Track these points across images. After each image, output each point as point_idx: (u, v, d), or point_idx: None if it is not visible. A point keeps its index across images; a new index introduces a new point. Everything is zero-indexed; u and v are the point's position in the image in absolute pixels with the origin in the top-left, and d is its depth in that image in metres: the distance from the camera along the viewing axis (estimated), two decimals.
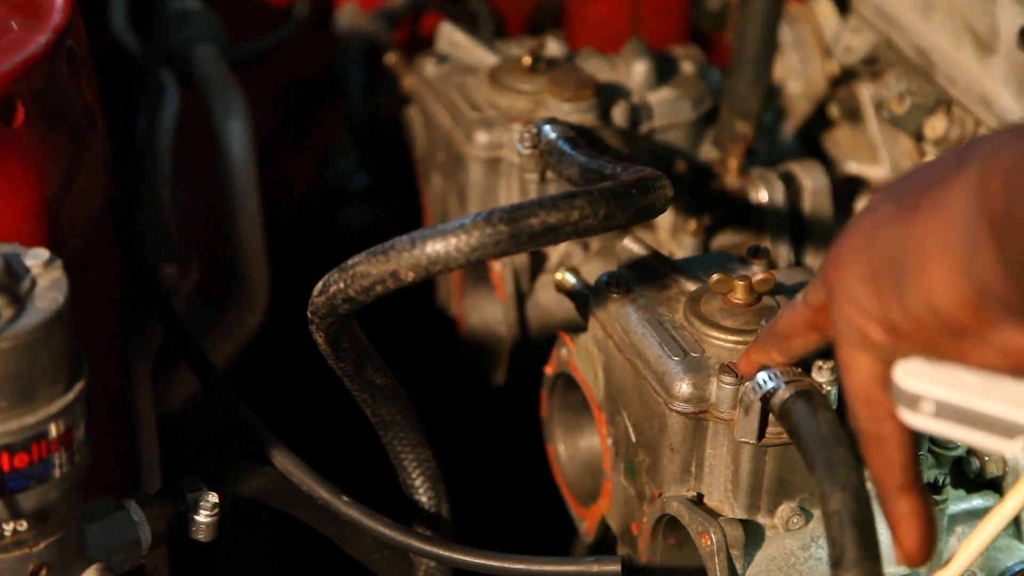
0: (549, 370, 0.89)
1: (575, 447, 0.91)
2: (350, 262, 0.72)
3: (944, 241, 0.56)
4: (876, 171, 1.06)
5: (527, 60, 1.01)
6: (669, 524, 0.79)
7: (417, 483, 0.84)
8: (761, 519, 0.76)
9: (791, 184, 1.02)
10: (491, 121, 1.00)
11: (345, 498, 0.79)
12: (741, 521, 0.75)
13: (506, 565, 0.76)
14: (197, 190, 1.14)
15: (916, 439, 0.64)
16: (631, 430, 0.80)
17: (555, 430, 0.91)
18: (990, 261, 0.54)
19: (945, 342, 0.58)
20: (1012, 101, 0.92)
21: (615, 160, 0.81)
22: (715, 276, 0.78)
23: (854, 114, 1.08)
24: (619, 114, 1.00)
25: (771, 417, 0.73)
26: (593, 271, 0.86)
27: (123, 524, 0.73)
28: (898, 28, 1.01)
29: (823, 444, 0.68)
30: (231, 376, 0.93)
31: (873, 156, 1.07)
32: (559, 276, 0.86)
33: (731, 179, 1.02)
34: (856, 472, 0.66)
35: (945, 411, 0.59)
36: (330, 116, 1.31)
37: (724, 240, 1.03)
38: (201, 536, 0.76)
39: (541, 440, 0.92)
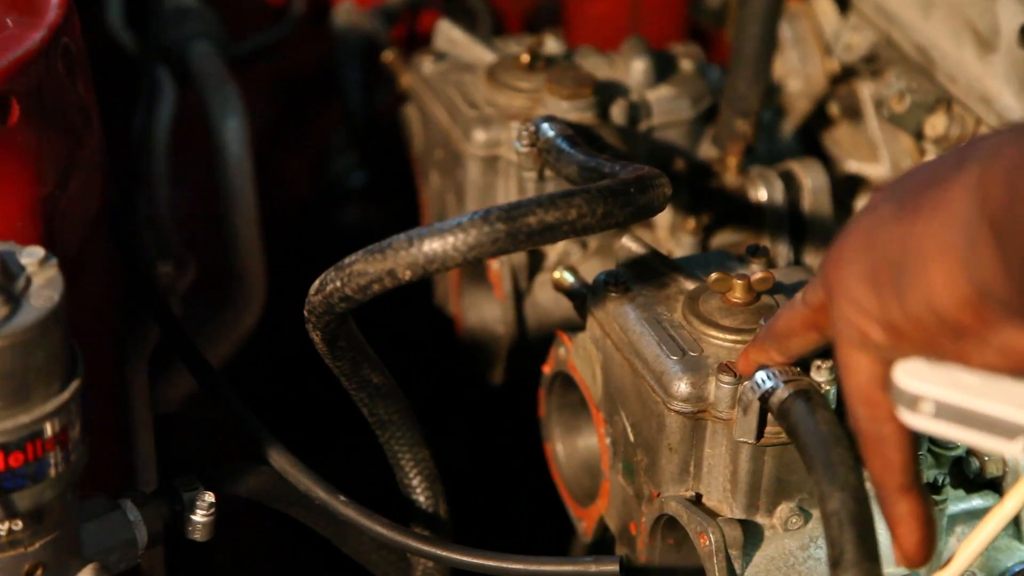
0: (547, 369, 0.89)
1: (573, 447, 0.91)
2: (347, 260, 0.72)
3: (944, 241, 0.56)
4: (876, 170, 1.06)
5: (525, 58, 1.01)
6: (668, 524, 0.79)
7: (415, 483, 0.83)
8: (760, 519, 0.76)
9: (791, 183, 1.02)
10: (489, 119, 0.99)
11: (342, 498, 0.78)
12: (740, 521, 0.75)
13: (504, 565, 0.76)
14: (194, 188, 1.14)
15: (916, 440, 0.64)
16: (629, 430, 0.80)
17: (553, 430, 0.91)
18: (990, 261, 0.54)
19: (945, 342, 0.58)
20: (1013, 99, 0.92)
21: (614, 158, 0.81)
22: (714, 275, 0.78)
23: (854, 112, 1.08)
24: (618, 112, 0.99)
25: (770, 417, 0.73)
26: (592, 270, 0.86)
27: (119, 524, 0.73)
28: (898, 26, 1.00)
29: (822, 444, 0.68)
30: (228, 375, 0.93)
31: (873, 154, 1.07)
32: (557, 275, 0.86)
33: (730, 177, 1.02)
34: (855, 472, 0.66)
35: (945, 412, 0.59)
36: (327, 114, 1.31)
37: (723, 239, 1.03)
38: (197, 536, 0.76)
39: (539, 440, 0.92)
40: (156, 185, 1.04)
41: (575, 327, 0.86)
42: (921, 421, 0.60)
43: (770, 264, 0.81)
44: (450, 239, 0.69)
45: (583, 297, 0.83)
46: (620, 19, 1.25)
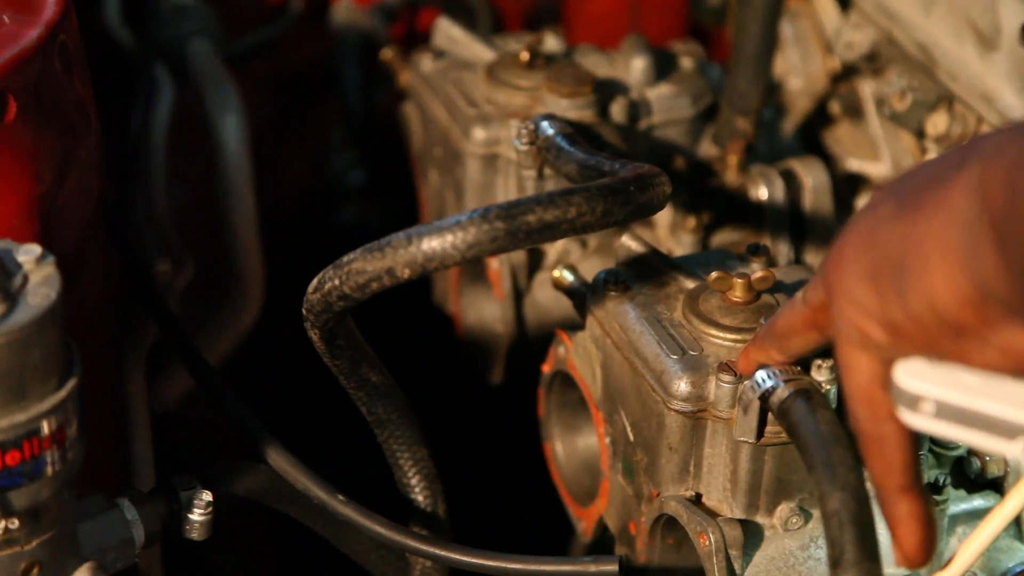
0: (546, 368, 0.89)
1: (573, 446, 0.90)
2: (345, 259, 0.71)
3: (945, 240, 0.56)
4: (877, 168, 1.06)
5: (525, 56, 1.00)
6: (667, 524, 0.79)
7: (413, 482, 0.83)
8: (760, 519, 0.76)
9: (791, 181, 1.01)
10: (488, 117, 0.99)
11: (340, 497, 0.78)
12: (740, 521, 0.75)
13: (503, 565, 0.76)
14: (191, 186, 1.14)
15: (916, 440, 0.63)
16: (629, 429, 0.80)
17: (552, 429, 0.91)
18: (991, 260, 0.54)
19: (946, 342, 0.58)
20: (1014, 98, 0.92)
21: (613, 157, 0.81)
22: (714, 274, 0.77)
23: (855, 111, 1.08)
24: (617, 110, 0.99)
25: (770, 416, 0.73)
26: (591, 269, 0.86)
27: (116, 523, 0.73)
28: (899, 24, 1.00)
29: (822, 443, 0.67)
30: (226, 374, 0.93)
31: (874, 153, 1.06)
32: (557, 274, 0.86)
33: (731, 176, 1.01)
34: (855, 472, 0.66)
35: (945, 411, 0.59)
36: (326, 112, 1.31)
37: (723, 238, 1.03)
38: (195, 535, 0.75)
39: (538, 439, 0.92)
40: (154, 183, 1.04)
41: (575, 326, 0.85)
42: (921, 421, 0.60)
43: (770, 263, 0.81)
44: (449, 237, 0.69)
45: (583, 296, 0.83)
46: (620, 17, 1.25)
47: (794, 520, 0.76)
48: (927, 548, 0.64)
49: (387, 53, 1.11)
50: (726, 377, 0.74)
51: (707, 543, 0.74)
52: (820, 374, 0.72)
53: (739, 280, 0.77)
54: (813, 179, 1.01)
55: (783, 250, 1.01)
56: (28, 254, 0.63)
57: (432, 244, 0.69)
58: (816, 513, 0.76)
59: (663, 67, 1.03)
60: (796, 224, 1.02)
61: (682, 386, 0.75)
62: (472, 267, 1.03)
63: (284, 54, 1.26)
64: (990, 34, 0.94)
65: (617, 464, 0.82)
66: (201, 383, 0.85)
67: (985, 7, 0.93)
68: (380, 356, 0.79)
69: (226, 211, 1.07)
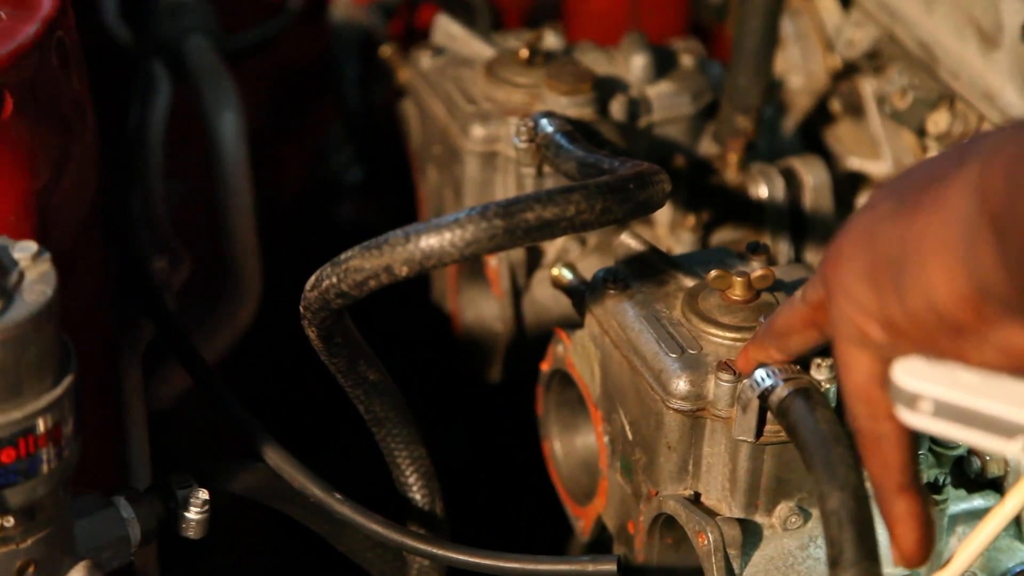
0: (545, 367, 0.89)
1: (571, 445, 0.90)
2: (343, 256, 0.71)
3: (944, 238, 0.56)
4: (878, 167, 1.06)
5: (524, 53, 1.00)
6: (666, 523, 0.79)
7: (411, 480, 0.83)
8: (759, 518, 0.76)
9: (791, 180, 1.01)
10: (487, 114, 0.99)
11: (337, 495, 0.78)
12: (739, 520, 0.75)
13: (501, 564, 0.76)
14: (189, 184, 1.13)
15: (915, 439, 0.63)
16: (628, 428, 0.80)
17: (551, 428, 0.90)
18: (990, 259, 0.54)
19: (944, 340, 0.57)
20: (1016, 96, 0.92)
21: (613, 154, 0.81)
22: (713, 272, 0.77)
23: (856, 109, 1.08)
24: (617, 108, 0.99)
25: (769, 415, 0.73)
26: (590, 267, 0.86)
27: (112, 521, 0.72)
28: (901, 22, 1.00)
29: (821, 443, 0.67)
30: (223, 372, 0.92)
31: (875, 152, 1.06)
32: (555, 272, 0.86)
33: (731, 174, 1.01)
34: (855, 471, 0.65)
35: (944, 410, 0.59)
36: (324, 109, 1.31)
37: (723, 236, 1.03)
38: (191, 533, 0.75)
39: (537, 438, 0.91)
40: (151, 180, 1.04)
41: (573, 324, 0.85)
42: (920, 420, 0.60)
43: (770, 261, 0.81)
44: (447, 235, 0.69)
45: (582, 294, 0.83)
46: (620, 14, 1.24)
47: (793, 519, 0.75)
48: (925, 547, 0.63)
49: (386, 50, 1.11)
50: (725, 376, 0.73)
51: (706, 542, 0.73)
52: (819, 373, 0.72)
53: (739, 278, 0.77)
54: (813, 177, 1.01)
55: (783, 248, 1.01)
56: (24, 251, 0.62)
57: (430, 242, 0.69)
58: (815, 512, 0.76)
59: (663, 65, 1.02)
60: (796, 223, 1.01)
61: (681, 385, 0.74)
62: (471, 265, 1.03)
63: (282, 51, 1.26)
64: (992, 32, 0.93)
65: (616, 463, 0.82)
66: (198, 381, 0.85)
67: (987, 5, 0.93)
68: (378, 354, 0.79)
69: (223, 208, 1.07)
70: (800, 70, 1.09)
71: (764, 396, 0.72)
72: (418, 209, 1.11)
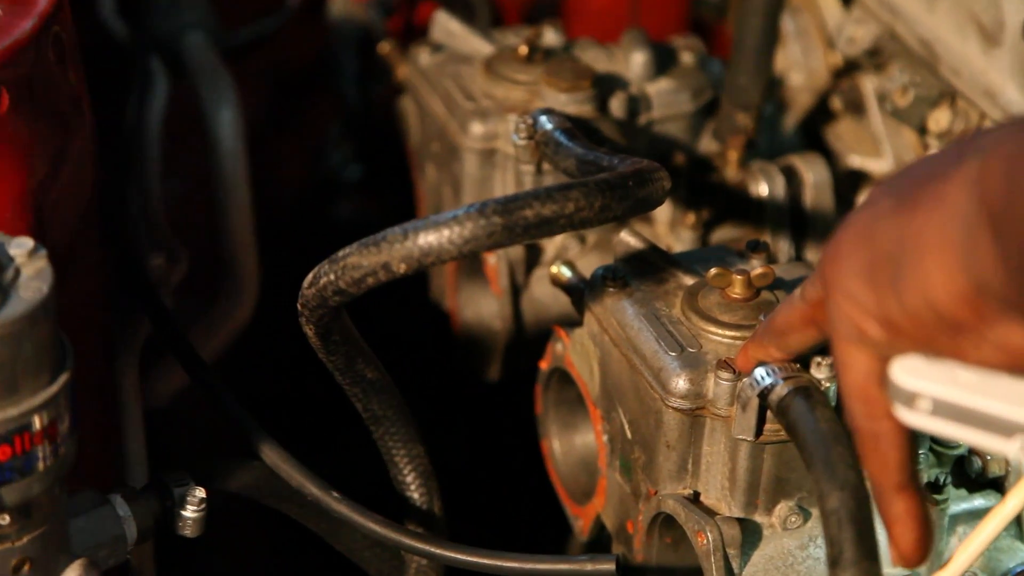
0: (544, 365, 0.88)
1: (570, 444, 0.90)
2: (341, 253, 0.71)
3: (942, 236, 0.55)
4: (879, 165, 1.05)
5: (523, 50, 1.00)
6: (665, 522, 0.78)
7: (408, 479, 0.83)
8: (758, 518, 0.75)
9: (792, 177, 1.01)
10: (486, 111, 0.98)
11: (335, 494, 0.78)
12: (738, 520, 0.74)
13: (499, 563, 0.76)
14: (186, 180, 1.13)
15: (913, 438, 0.63)
16: (627, 426, 0.79)
17: (550, 426, 0.90)
18: (989, 256, 0.54)
19: (942, 338, 0.57)
20: (1017, 94, 0.91)
21: (612, 152, 0.80)
22: (713, 270, 0.77)
23: (857, 107, 1.07)
24: (617, 105, 0.98)
25: (769, 414, 0.72)
26: (590, 265, 0.86)
27: (108, 519, 0.72)
28: (902, 19, 1.00)
29: (821, 441, 0.67)
30: (220, 370, 0.92)
31: (876, 149, 1.06)
32: (554, 270, 0.85)
33: (731, 172, 1.01)
34: (855, 470, 0.65)
35: (942, 409, 0.59)
36: (323, 106, 1.30)
37: (723, 234, 1.02)
38: (188, 532, 0.75)
39: (536, 437, 0.91)
40: (148, 177, 1.04)
41: (572, 323, 0.85)
42: (918, 418, 0.59)
43: (770, 259, 0.80)
44: (445, 232, 0.68)
45: (581, 292, 0.83)
46: (620, 11, 1.24)
47: (793, 519, 0.75)
48: (923, 547, 0.63)
49: (385, 47, 1.11)
50: (725, 374, 0.73)
51: (705, 542, 0.73)
52: (819, 371, 0.72)
53: (738, 277, 0.77)
54: (814, 175, 1.01)
55: (783, 247, 1.00)
56: (20, 247, 0.62)
57: (428, 239, 0.68)
58: (815, 512, 0.75)
59: (663, 62, 1.02)
60: (797, 221, 1.01)
61: (680, 383, 0.74)
62: (469, 263, 1.02)
63: (281, 48, 1.26)
64: (993, 29, 0.93)
65: (615, 462, 0.82)
66: (195, 379, 0.85)
67: (988, 2, 0.93)
68: (376, 352, 0.79)
69: (221, 206, 1.07)
70: (801, 67, 1.09)
71: (764, 395, 0.71)
72: (417, 206, 1.10)
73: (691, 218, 1.01)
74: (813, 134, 1.10)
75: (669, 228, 1.02)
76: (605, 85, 0.98)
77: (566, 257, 0.98)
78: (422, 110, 1.05)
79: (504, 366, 1.02)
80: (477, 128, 0.98)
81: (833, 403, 0.71)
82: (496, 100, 0.99)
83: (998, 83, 0.93)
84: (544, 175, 0.93)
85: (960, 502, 0.77)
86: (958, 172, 0.55)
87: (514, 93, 0.99)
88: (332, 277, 0.71)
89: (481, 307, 1.04)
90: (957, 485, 0.77)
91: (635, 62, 1.01)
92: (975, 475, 0.77)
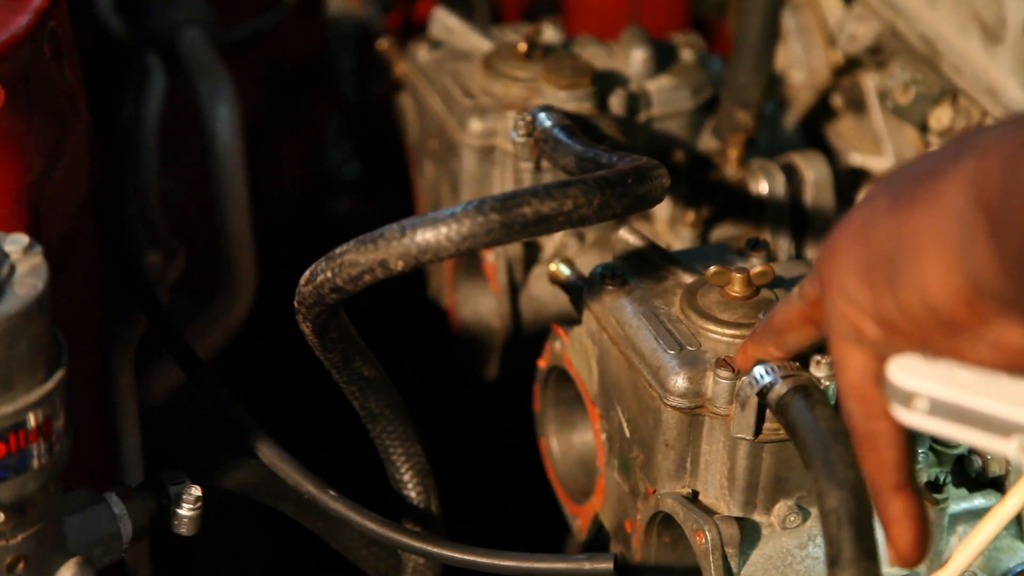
0: (542, 364, 0.88)
1: (568, 442, 0.90)
2: (338, 250, 0.70)
3: (939, 234, 0.55)
4: (880, 163, 1.05)
5: (523, 46, 0.99)
6: (663, 522, 0.78)
7: (406, 478, 0.82)
8: (757, 517, 0.75)
9: (792, 175, 1.00)
10: (485, 108, 0.98)
11: (332, 492, 0.77)
12: (737, 519, 0.74)
13: (496, 562, 0.75)
14: (183, 177, 1.13)
15: (911, 437, 0.63)
16: (625, 425, 0.79)
17: (548, 425, 0.90)
18: (986, 254, 0.53)
19: (939, 337, 0.57)
20: (1019, 91, 0.91)
21: (611, 149, 0.80)
22: (712, 268, 0.77)
23: (858, 104, 1.07)
24: (616, 102, 0.98)
25: (768, 413, 0.72)
26: (589, 263, 0.85)
27: (104, 517, 0.72)
28: (903, 16, 0.99)
29: (821, 440, 0.67)
30: (217, 368, 0.92)
31: (877, 147, 1.05)
32: (553, 267, 0.85)
33: (731, 170, 1.01)
34: (854, 469, 0.65)
35: (939, 408, 0.58)
36: (321, 103, 1.30)
37: (723, 232, 1.02)
38: (183, 530, 0.75)
39: (534, 435, 0.91)
40: (145, 174, 1.03)
41: (571, 321, 0.84)
42: (915, 418, 0.59)
43: (770, 258, 0.80)
44: (443, 229, 0.68)
45: (579, 290, 0.82)
46: (620, 8, 1.24)
47: (792, 518, 0.75)
48: (921, 547, 0.63)
49: (383, 43, 1.10)
50: (724, 373, 0.73)
51: (703, 541, 0.73)
52: (819, 370, 0.71)
53: (738, 275, 0.76)
54: (814, 173, 1.00)
55: (784, 245, 1.00)
56: (15, 243, 0.62)
57: (426, 236, 0.68)
58: (814, 511, 0.75)
59: (663, 59, 1.02)
60: (797, 219, 1.01)
61: (679, 382, 0.74)
62: (468, 261, 1.02)
63: (278, 44, 1.25)
64: (995, 27, 0.93)
65: (613, 461, 0.81)
66: (191, 377, 0.84)
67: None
68: (374, 350, 0.78)
69: (218, 203, 1.06)
70: (801, 65, 1.09)
71: (763, 393, 0.71)
72: (415, 204, 1.10)
73: (691, 216, 1.01)
74: (814, 132, 1.09)
75: (668, 226, 1.02)
76: (604, 82, 0.98)
77: (565, 255, 0.98)
78: (420, 107, 1.05)
79: (502, 364, 1.02)
80: (476, 125, 0.98)
81: (832, 402, 0.70)
82: (495, 97, 0.99)
83: (1000, 81, 0.93)
84: (543, 172, 0.93)
85: (960, 501, 0.77)
86: (955, 170, 0.55)
87: (513, 90, 0.99)
88: (329, 274, 0.71)
89: (479, 305, 1.04)
90: (957, 484, 0.77)
91: (635, 59, 1.01)
92: (975, 474, 0.77)
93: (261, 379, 1.22)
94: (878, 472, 0.62)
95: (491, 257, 0.99)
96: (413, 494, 0.83)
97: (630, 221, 0.92)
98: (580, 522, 0.87)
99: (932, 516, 0.74)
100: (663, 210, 1.01)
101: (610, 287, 0.80)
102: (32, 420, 0.62)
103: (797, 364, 0.71)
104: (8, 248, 0.62)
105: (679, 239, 1.01)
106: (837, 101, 1.09)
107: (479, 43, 1.03)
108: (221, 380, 0.82)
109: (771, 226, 1.01)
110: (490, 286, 1.00)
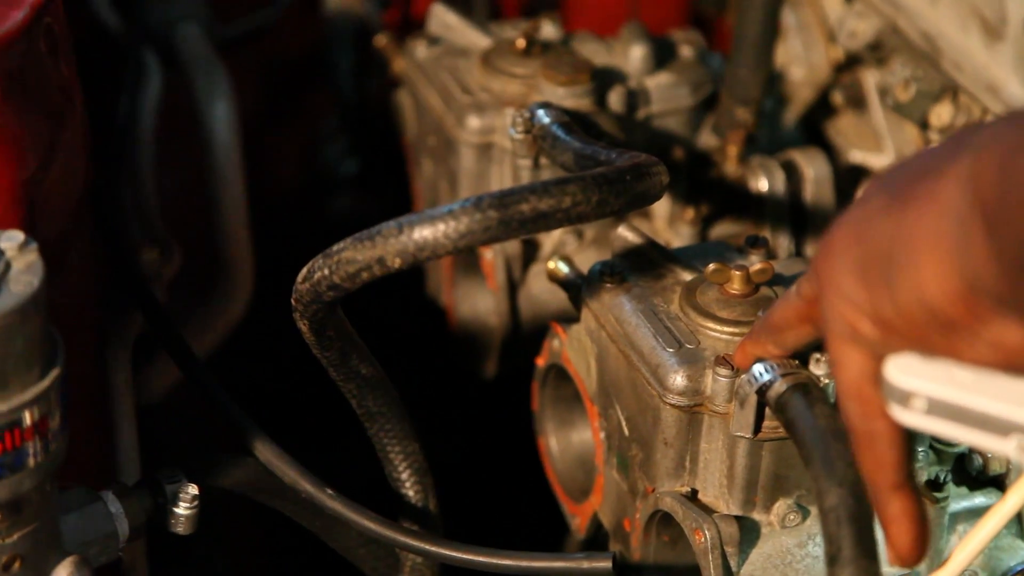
0: (541, 362, 0.88)
1: (567, 441, 0.89)
2: (335, 248, 0.70)
3: (935, 233, 0.55)
4: (880, 160, 1.05)
5: (521, 43, 0.99)
6: (662, 520, 0.78)
7: (403, 476, 0.82)
8: (757, 516, 0.75)
9: (792, 173, 1.00)
10: (483, 105, 0.98)
11: (329, 491, 0.77)
12: (736, 518, 0.74)
13: (495, 561, 0.75)
14: (180, 174, 1.12)
15: (909, 437, 0.62)
16: (624, 423, 0.79)
17: (547, 424, 0.90)
18: (982, 253, 0.53)
19: (936, 337, 0.57)
20: (1019, 88, 0.91)
21: (610, 146, 0.80)
22: (712, 266, 0.76)
23: (858, 101, 1.07)
24: (615, 99, 0.98)
25: (767, 411, 0.72)
26: (588, 260, 0.85)
27: (100, 516, 0.72)
28: (904, 13, 0.99)
29: (820, 438, 0.66)
30: (214, 366, 0.91)
31: (877, 144, 1.05)
32: (551, 265, 0.85)
33: (730, 167, 1.00)
34: (853, 467, 0.65)
35: (937, 408, 0.58)
36: (318, 100, 1.30)
37: (723, 230, 1.02)
38: (180, 529, 0.74)
39: (532, 434, 0.91)
40: (141, 170, 1.03)
41: (570, 319, 0.84)
42: (913, 418, 0.59)
43: (770, 255, 0.80)
44: (440, 226, 0.68)
45: (578, 288, 0.82)
46: (619, 4, 1.24)
47: (791, 517, 0.75)
48: (920, 547, 0.63)
49: (381, 40, 1.10)
50: (723, 371, 0.73)
51: (703, 540, 0.73)
52: (818, 368, 0.71)
53: (737, 272, 0.76)
54: (814, 170, 1.00)
55: (783, 242, 1.00)
56: (11, 240, 0.61)
57: (424, 233, 0.68)
58: (814, 510, 0.75)
59: (662, 55, 1.02)
60: (797, 216, 1.01)
61: (678, 380, 0.74)
62: (466, 258, 1.02)
63: (276, 40, 1.25)
64: (996, 23, 0.92)
65: (612, 459, 0.81)
66: (188, 375, 0.84)
67: None
68: (371, 349, 0.78)
69: (215, 200, 1.06)
70: (802, 62, 1.08)
71: (762, 391, 0.71)
72: (413, 201, 1.10)
73: (690, 213, 1.01)
74: (814, 129, 1.09)
75: (668, 223, 1.02)
76: (604, 79, 0.98)
77: (563, 252, 0.98)
78: (419, 104, 1.05)
79: (500, 362, 1.02)
80: (474, 122, 0.97)
81: (832, 400, 0.70)
82: (493, 94, 0.98)
83: (1001, 78, 0.92)
84: (541, 169, 0.93)
85: (960, 500, 0.76)
86: (951, 169, 0.55)
87: (511, 87, 0.98)
88: (326, 272, 0.70)
89: (478, 303, 1.04)
90: (958, 483, 0.77)
91: (634, 56, 1.00)
92: (976, 473, 0.77)
93: (258, 377, 1.22)
94: (877, 472, 0.62)
95: (489, 255, 0.99)
96: (411, 493, 0.82)
97: (629, 218, 0.92)
98: (579, 521, 0.87)
99: (932, 515, 0.74)
100: (662, 207, 1.01)
101: (609, 285, 0.79)
102: (28, 418, 0.61)
103: (796, 362, 0.71)
104: (3, 245, 0.61)
105: (678, 236, 1.01)
106: (837, 98, 1.08)
107: (477, 39, 1.03)
108: (218, 378, 0.82)
109: (771, 223, 1.00)
110: (488, 284, 1.00)
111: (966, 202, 0.54)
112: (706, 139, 1.02)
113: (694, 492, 0.76)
